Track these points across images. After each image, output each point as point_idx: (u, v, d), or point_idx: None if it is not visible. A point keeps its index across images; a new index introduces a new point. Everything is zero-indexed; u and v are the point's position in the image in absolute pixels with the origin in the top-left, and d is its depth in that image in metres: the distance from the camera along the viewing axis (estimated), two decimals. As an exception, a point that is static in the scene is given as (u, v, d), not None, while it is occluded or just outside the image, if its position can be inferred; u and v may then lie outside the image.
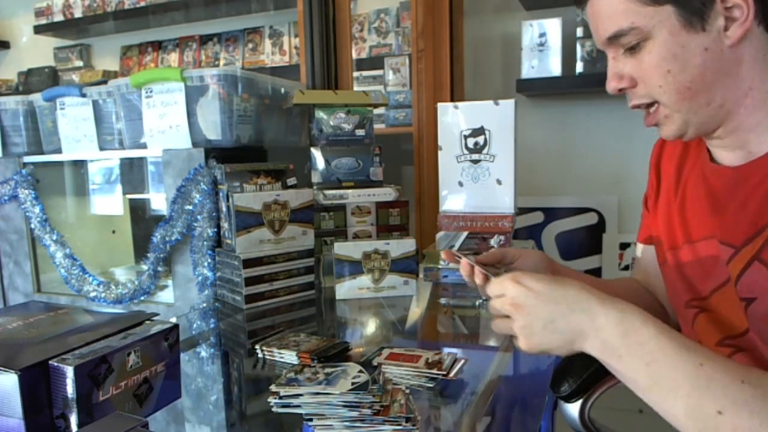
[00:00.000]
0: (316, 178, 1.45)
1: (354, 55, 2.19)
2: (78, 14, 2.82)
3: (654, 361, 0.58)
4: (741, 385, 0.55)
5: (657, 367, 0.58)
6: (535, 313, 0.65)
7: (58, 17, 2.87)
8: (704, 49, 0.68)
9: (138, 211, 1.77)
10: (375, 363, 0.83)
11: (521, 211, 2.01)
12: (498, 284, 0.69)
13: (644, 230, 0.98)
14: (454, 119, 1.33)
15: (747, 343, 0.72)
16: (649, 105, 0.75)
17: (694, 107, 0.71)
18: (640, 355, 0.59)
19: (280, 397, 0.69)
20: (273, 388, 0.70)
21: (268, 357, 0.93)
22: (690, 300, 0.81)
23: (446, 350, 0.92)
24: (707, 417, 0.55)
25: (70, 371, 0.58)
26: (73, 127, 1.55)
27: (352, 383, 0.70)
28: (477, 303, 1.21)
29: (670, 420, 0.58)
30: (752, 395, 0.54)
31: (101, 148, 1.53)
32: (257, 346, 0.95)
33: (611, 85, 0.76)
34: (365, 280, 1.24)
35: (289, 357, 0.90)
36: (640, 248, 0.99)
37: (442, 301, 1.26)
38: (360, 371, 0.75)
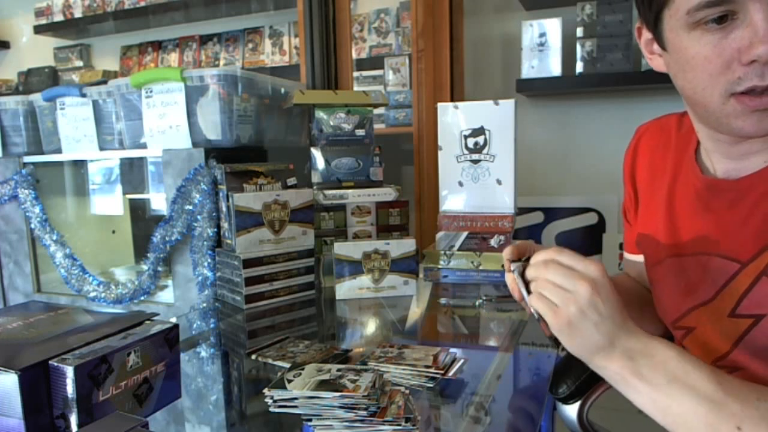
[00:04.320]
0: (316, 178, 1.45)
1: (354, 55, 2.19)
2: (78, 14, 2.82)
3: (674, 379, 0.60)
4: (757, 402, 0.57)
5: (677, 386, 0.60)
6: (600, 308, 0.63)
7: (58, 17, 2.87)
8: None
9: (138, 211, 1.77)
10: (372, 364, 0.83)
11: (521, 211, 2.01)
12: (581, 261, 0.65)
13: (629, 242, 0.96)
14: (454, 119, 1.33)
15: (732, 363, 0.72)
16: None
17: None
18: (661, 374, 0.61)
19: (274, 400, 0.69)
20: (266, 391, 0.70)
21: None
22: (676, 320, 0.80)
23: (452, 350, 0.92)
24: None
25: (70, 371, 0.58)
26: (73, 127, 1.55)
27: (349, 384, 0.70)
28: (477, 303, 1.21)
29: None
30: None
31: (101, 148, 1.53)
32: (253, 357, 0.93)
33: None
34: (365, 280, 1.24)
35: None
36: (630, 256, 0.98)
37: (442, 301, 1.26)
38: (357, 373, 0.74)
